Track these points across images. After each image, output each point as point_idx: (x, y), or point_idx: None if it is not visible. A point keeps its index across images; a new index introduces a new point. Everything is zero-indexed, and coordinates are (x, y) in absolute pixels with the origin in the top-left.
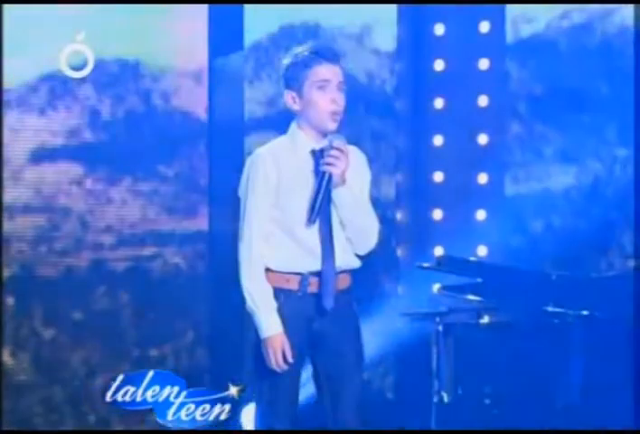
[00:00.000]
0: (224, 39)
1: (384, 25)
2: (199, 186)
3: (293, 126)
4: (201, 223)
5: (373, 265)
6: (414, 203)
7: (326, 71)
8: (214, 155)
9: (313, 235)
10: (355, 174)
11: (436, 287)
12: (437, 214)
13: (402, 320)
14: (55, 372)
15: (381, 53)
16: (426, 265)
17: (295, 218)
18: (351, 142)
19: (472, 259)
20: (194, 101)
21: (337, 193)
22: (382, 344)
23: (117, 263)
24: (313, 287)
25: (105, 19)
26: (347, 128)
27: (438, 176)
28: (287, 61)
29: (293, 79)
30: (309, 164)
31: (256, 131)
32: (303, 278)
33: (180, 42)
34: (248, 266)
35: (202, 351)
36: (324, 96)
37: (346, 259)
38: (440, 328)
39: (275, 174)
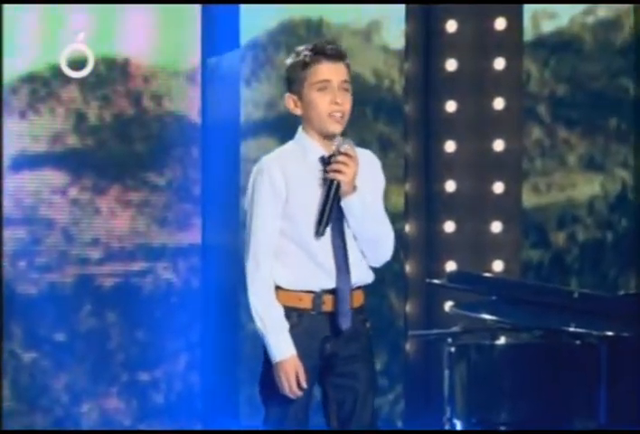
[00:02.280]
0: (219, 36)
1: (393, 21)
2: (192, 196)
3: (299, 131)
4: (195, 236)
5: (380, 281)
6: (424, 215)
7: (326, 71)
8: (208, 162)
9: (325, 249)
10: (368, 181)
11: (448, 305)
12: (449, 226)
13: (411, 341)
14: (36, 398)
15: (389, 51)
16: (437, 281)
17: (305, 231)
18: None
19: (486, 274)
20: (187, 104)
21: (347, 202)
22: (390, 367)
23: (105, 279)
24: (327, 306)
25: (91, 16)
26: (352, 133)
27: (450, 185)
28: (288, 61)
29: (293, 81)
30: (319, 171)
31: (253, 136)
32: (316, 296)
33: (172, 39)
34: (256, 284)
35: (196, 375)
36: (324, 97)
37: (361, 274)
38: (452, 350)
39: (283, 184)
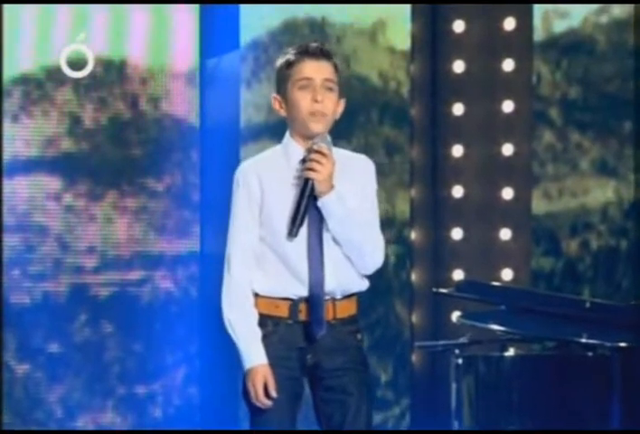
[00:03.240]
0: (218, 36)
1: (399, 21)
2: (192, 202)
3: (286, 134)
4: (194, 244)
5: (385, 290)
6: (431, 221)
7: (308, 69)
8: (207, 167)
9: (301, 254)
10: (352, 183)
11: (455, 315)
12: (457, 234)
13: (417, 353)
14: (29, 412)
15: (395, 52)
16: (444, 291)
17: (281, 237)
18: (361, 152)
19: (495, 284)
20: (186, 106)
21: (323, 203)
22: (395, 379)
23: (101, 289)
24: (303, 315)
25: (87, 17)
26: (358, 137)
27: (458, 191)
28: (276, 62)
29: (278, 81)
30: (301, 176)
31: (254, 139)
32: (293, 304)
33: (169, 40)
34: (228, 292)
35: (194, 388)
36: (305, 95)
37: (344, 281)
38: (460, 362)
39: (258, 191)
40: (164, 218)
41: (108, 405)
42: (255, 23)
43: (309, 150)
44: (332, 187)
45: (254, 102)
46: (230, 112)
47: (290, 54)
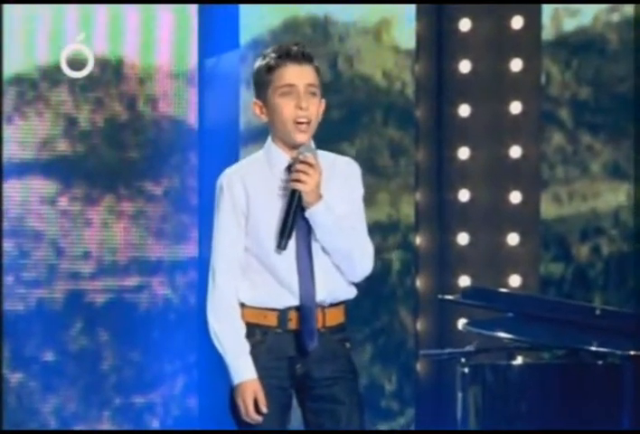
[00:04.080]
0: (217, 35)
1: (404, 19)
2: (191, 206)
3: (268, 140)
4: (193, 249)
5: (389, 297)
6: (436, 226)
7: (291, 74)
8: (206, 170)
9: (289, 265)
10: (343, 188)
11: (461, 322)
12: (463, 239)
13: (422, 361)
14: (23, 423)
15: (400, 51)
16: (450, 297)
17: (268, 246)
18: (365, 155)
19: (503, 290)
20: (185, 107)
21: (311, 213)
22: (399, 389)
23: (97, 295)
24: (293, 324)
25: (82, 16)
26: (361, 139)
27: (464, 195)
28: (255, 65)
29: (258, 85)
30: (286, 182)
31: (254, 141)
32: (282, 313)
33: (168, 39)
34: (212, 304)
35: (194, 398)
36: (289, 102)
37: (333, 289)
38: (466, 371)
39: (244, 199)
40: (162, 222)
41: (104, 416)
42: (255, 21)
43: (294, 160)
44: (319, 197)
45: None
46: (230, 113)
47: (270, 58)
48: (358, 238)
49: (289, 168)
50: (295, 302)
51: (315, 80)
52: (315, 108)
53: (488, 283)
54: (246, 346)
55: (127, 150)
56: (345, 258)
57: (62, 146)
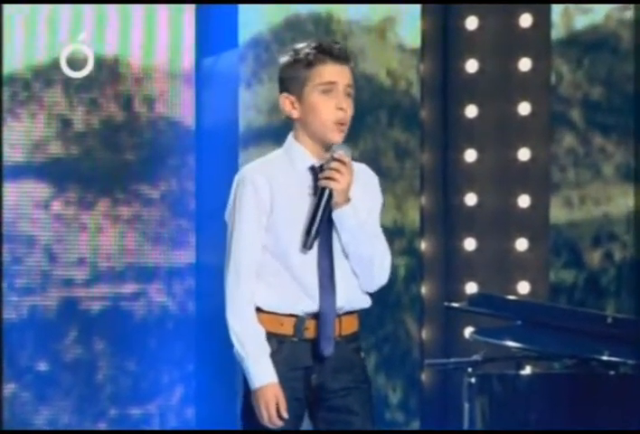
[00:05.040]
0: (216, 33)
1: (409, 17)
2: (189, 210)
3: (290, 138)
4: (191, 255)
5: (394, 305)
6: (442, 231)
7: (332, 72)
8: (204, 173)
9: (310, 268)
10: (363, 195)
11: (468, 331)
12: (470, 244)
13: (428, 371)
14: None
15: (405, 50)
16: (456, 305)
17: (289, 247)
18: (368, 157)
19: (511, 297)
20: (182, 108)
21: (339, 214)
22: (404, 400)
23: (92, 303)
24: (310, 332)
25: (77, 15)
26: (365, 140)
27: (471, 199)
28: (285, 58)
29: (292, 80)
30: (308, 183)
31: (254, 144)
32: (299, 320)
33: (164, 37)
34: (236, 303)
35: (191, 409)
36: (329, 101)
37: (352, 297)
38: (473, 381)
39: (268, 196)
40: (159, 227)
41: (99, 427)
42: (255, 19)
43: (327, 159)
44: (348, 199)
45: (254, 104)
46: (229, 114)
47: (309, 53)
48: (379, 245)
49: (312, 168)
50: (313, 308)
51: (352, 81)
52: (351, 110)
53: (496, 290)
54: (267, 349)
55: (123, 152)
56: (366, 265)
57: (56, 149)
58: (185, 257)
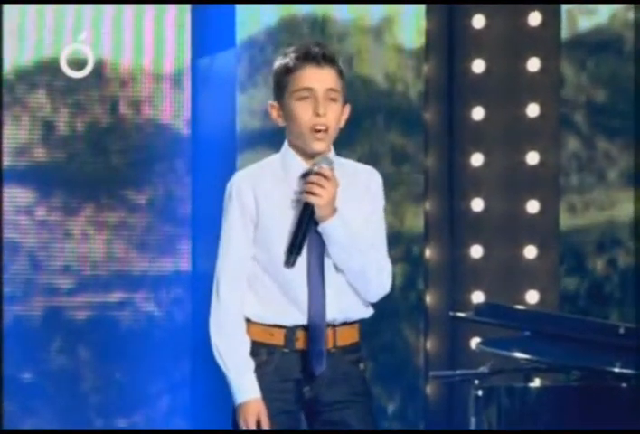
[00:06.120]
0: (211, 33)
1: (409, 16)
2: (177, 216)
3: (285, 144)
4: (180, 262)
5: (396, 314)
6: (447, 238)
7: (309, 77)
8: (198, 178)
9: (300, 280)
10: (359, 201)
11: (474, 342)
12: (476, 251)
13: (432, 383)
14: None
15: (404, 51)
16: (462, 314)
17: (278, 258)
18: (368, 162)
19: (519, 307)
20: (173, 111)
21: (324, 228)
22: (407, 413)
23: (77, 312)
24: (300, 343)
25: (64, 15)
26: (363, 145)
27: (478, 204)
28: (274, 64)
29: (276, 87)
30: (301, 191)
31: (251, 148)
32: (288, 331)
33: (154, 37)
34: (216, 317)
35: (180, 420)
36: (306, 107)
37: (345, 308)
38: (480, 393)
39: (253, 205)
40: (146, 234)
41: None
42: (251, 20)
43: (309, 171)
44: (334, 211)
45: (250, 107)
46: (224, 118)
47: (289, 58)
48: (375, 255)
49: (305, 176)
50: (303, 320)
51: (337, 84)
52: (334, 115)
53: (503, 299)
54: (250, 364)
55: (110, 157)
56: (359, 276)
57: (40, 153)
58: (173, 264)
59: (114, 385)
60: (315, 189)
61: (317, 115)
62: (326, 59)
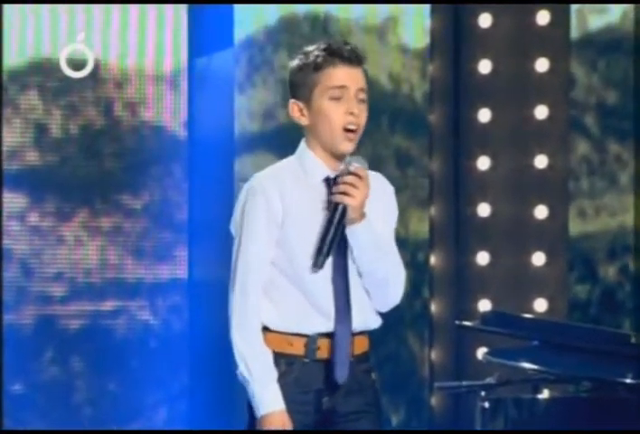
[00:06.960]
0: (208, 33)
1: (413, 16)
2: (174, 222)
3: (302, 145)
4: (177, 269)
5: (400, 323)
6: (453, 244)
7: (343, 75)
8: (195, 182)
9: (324, 286)
10: (380, 209)
11: (480, 352)
12: (483, 258)
13: (437, 395)
14: None
15: (409, 51)
16: (468, 323)
17: (301, 263)
18: (371, 165)
19: (527, 316)
20: (169, 113)
21: (353, 231)
22: (412, 425)
23: (70, 321)
24: (323, 353)
25: (57, 15)
26: (366, 148)
27: (484, 209)
28: (294, 62)
29: (300, 85)
30: (322, 195)
31: (249, 151)
32: (310, 340)
33: (150, 37)
34: (242, 323)
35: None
36: (338, 106)
37: (366, 317)
38: (486, 405)
39: (280, 207)
40: (142, 240)
41: None
42: (249, 19)
43: (342, 171)
44: (363, 214)
45: (249, 109)
46: (222, 120)
47: (317, 55)
48: (394, 263)
49: (327, 180)
50: (326, 328)
51: (365, 85)
52: (364, 116)
53: (511, 308)
54: (274, 373)
55: (104, 160)
56: (380, 283)
57: (32, 157)
58: (170, 271)
59: (108, 396)
60: (350, 189)
61: (351, 114)
62: (359, 58)
